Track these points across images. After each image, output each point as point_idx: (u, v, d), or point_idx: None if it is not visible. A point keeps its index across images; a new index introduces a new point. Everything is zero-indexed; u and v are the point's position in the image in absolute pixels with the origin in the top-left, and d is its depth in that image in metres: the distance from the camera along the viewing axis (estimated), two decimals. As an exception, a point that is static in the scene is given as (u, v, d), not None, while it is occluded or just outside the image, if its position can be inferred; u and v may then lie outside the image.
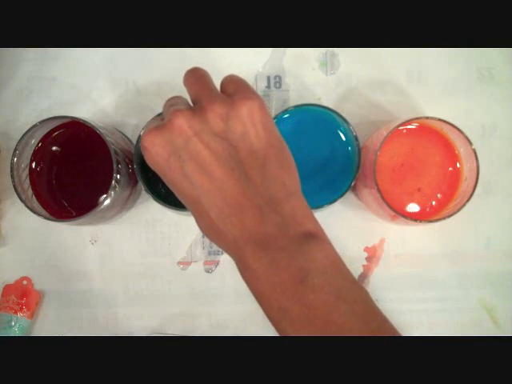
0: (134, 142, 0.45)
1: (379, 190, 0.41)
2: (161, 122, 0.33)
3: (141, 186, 0.44)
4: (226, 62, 0.49)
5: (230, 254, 0.32)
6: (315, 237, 0.31)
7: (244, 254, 0.30)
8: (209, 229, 0.32)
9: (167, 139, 0.31)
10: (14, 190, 0.42)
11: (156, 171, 0.33)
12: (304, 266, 0.29)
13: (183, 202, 0.33)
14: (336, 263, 0.31)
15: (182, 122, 0.31)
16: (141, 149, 0.33)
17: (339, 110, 0.43)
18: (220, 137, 0.31)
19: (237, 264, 0.31)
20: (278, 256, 0.30)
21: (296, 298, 0.29)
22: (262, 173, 0.31)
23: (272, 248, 0.30)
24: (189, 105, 0.34)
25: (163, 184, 0.45)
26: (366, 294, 0.31)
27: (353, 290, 0.30)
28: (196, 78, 0.35)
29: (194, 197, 0.31)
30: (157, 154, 0.32)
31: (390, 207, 0.41)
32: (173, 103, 0.34)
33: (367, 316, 0.30)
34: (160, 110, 0.43)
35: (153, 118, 0.43)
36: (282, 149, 0.33)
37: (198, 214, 0.32)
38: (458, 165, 0.44)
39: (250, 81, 0.50)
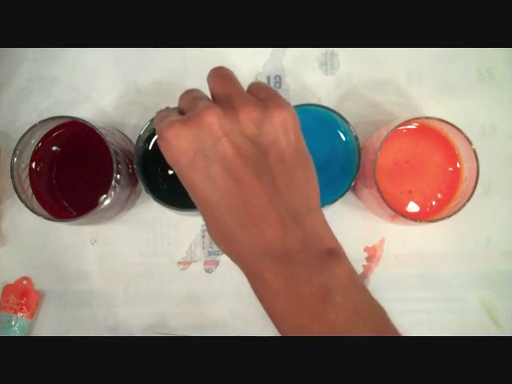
0: (134, 142, 0.45)
1: (379, 190, 0.41)
2: (178, 115, 0.31)
3: (141, 186, 0.44)
4: (226, 62, 0.49)
5: (241, 265, 0.30)
6: (335, 253, 0.30)
7: (260, 267, 0.29)
8: (221, 235, 0.30)
9: (195, 135, 0.29)
10: (14, 190, 0.42)
11: (172, 166, 0.31)
12: (326, 284, 0.28)
13: (197, 203, 0.31)
14: (354, 279, 0.30)
15: (213, 120, 0.29)
16: (158, 141, 0.30)
17: (339, 110, 0.43)
18: (251, 140, 0.30)
19: (248, 275, 0.30)
20: (297, 271, 0.28)
21: (317, 316, 0.28)
22: (288, 182, 0.30)
23: (292, 263, 0.28)
24: (212, 100, 0.32)
25: (164, 183, 0.45)
26: (382, 309, 0.30)
27: (370, 305, 0.30)
28: (221, 76, 0.33)
29: (213, 200, 0.29)
30: (179, 149, 0.29)
31: (390, 207, 0.41)
32: (196, 96, 0.32)
33: (385, 331, 0.29)
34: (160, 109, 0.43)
35: (163, 110, 0.41)
36: (308, 160, 0.32)
37: (213, 218, 0.30)
38: (458, 165, 0.44)
39: (250, 81, 0.50)
